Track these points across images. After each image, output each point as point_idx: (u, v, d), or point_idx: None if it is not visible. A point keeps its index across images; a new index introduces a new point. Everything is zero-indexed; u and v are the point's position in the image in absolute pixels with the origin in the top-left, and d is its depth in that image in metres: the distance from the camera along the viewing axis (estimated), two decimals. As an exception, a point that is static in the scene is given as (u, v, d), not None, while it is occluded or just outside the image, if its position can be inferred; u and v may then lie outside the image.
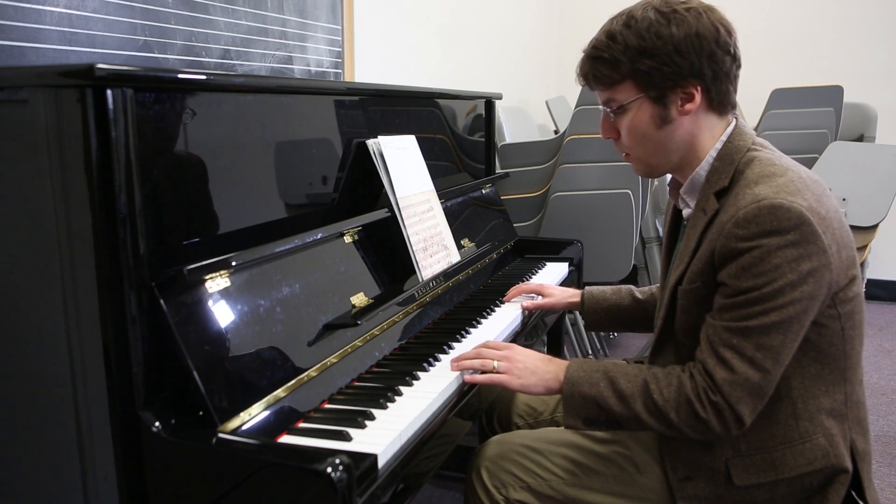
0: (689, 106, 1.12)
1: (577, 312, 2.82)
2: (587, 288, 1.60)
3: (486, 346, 1.28)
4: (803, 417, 1.11)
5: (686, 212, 1.21)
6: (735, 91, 1.16)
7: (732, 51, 1.12)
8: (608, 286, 1.59)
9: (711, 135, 1.15)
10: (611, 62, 1.13)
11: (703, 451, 1.15)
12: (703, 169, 1.16)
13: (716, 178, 1.13)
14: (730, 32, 1.12)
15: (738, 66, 1.14)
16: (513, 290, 1.70)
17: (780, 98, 3.77)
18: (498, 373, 1.21)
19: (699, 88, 1.11)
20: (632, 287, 1.56)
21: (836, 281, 1.06)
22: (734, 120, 1.17)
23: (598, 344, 3.23)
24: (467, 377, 1.23)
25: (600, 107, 1.20)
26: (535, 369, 1.21)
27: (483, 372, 1.22)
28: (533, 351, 1.26)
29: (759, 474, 1.12)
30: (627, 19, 1.11)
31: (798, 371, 1.10)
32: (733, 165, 1.12)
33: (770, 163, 1.09)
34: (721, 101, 1.14)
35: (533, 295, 1.69)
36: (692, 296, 1.13)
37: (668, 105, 1.12)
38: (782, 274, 1.01)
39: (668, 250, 1.32)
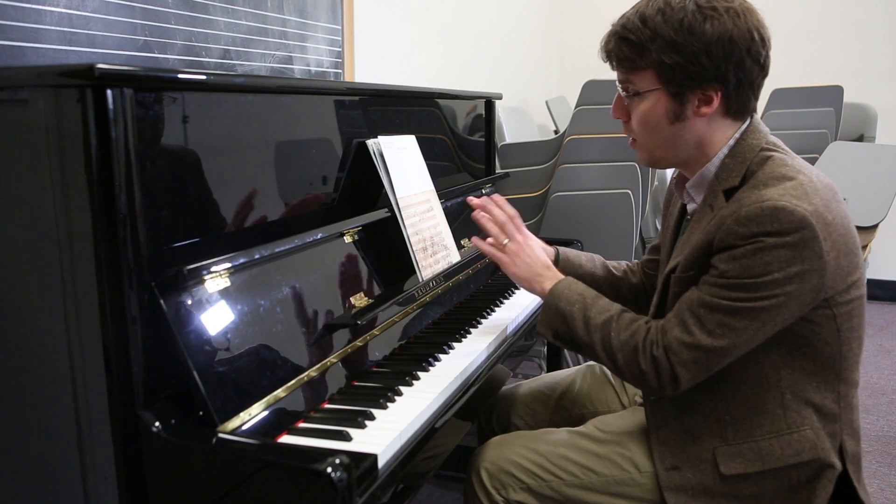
0: (705, 109, 1.10)
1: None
2: (562, 248, 1.54)
3: (513, 221, 1.36)
4: (791, 409, 1.11)
5: (691, 206, 1.21)
6: (756, 98, 1.14)
7: (762, 60, 1.10)
8: (582, 252, 1.55)
9: (724, 136, 1.14)
10: (637, 46, 1.10)
11: (690, 439, 1.15)
12: (713, 164, 1.15)
13: (725, 176, 1.12)
14: (764, 41, 1.09)
15: (765, 76, 1.12)
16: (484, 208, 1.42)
17: (780, 98, 3.77)
18: (503, 251, 1.32)
19: (719, 94, 1.09)
20: (603, 259, 1.54)
21: (828, 286, 1.05)
22: (749, 118, 1.16)
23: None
24: (475, 239, 1.35)
25: (617, 84, 1.18)
26: (532, 265, 1.30)
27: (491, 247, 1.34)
28: (542, 254, 1.34)
29: (746, 464, 1.12)
30: (664, 5, 1.08)
31: (788, 363, 1.10)
32: (745, 164, 1.11)
33: (782, 163, 1.08)
34: (739, 108, 1.12)
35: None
36: (684, 283, 1.13)
37: (684, 103, 1.11)
38: (769, 271, 1.01)
39: (671, 243, 1.30)
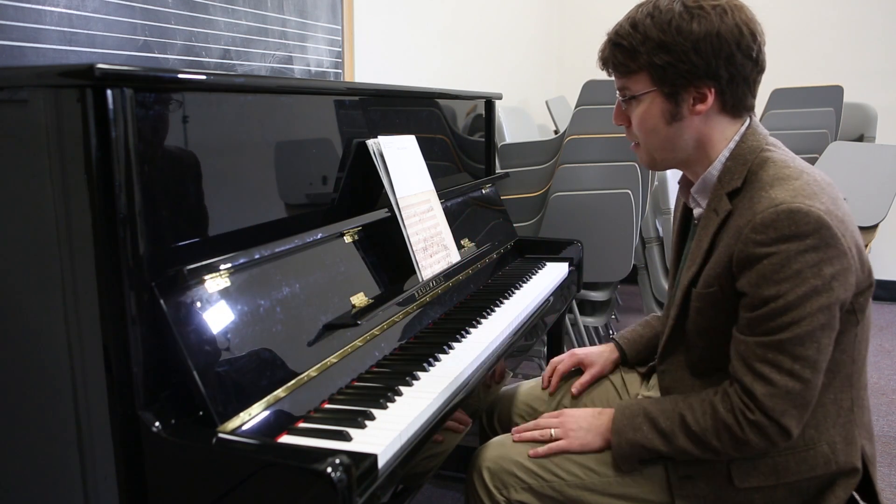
0: (700, 106, 1.11)
1: (577, 310, 2.84)
2: (617, 335, 1.52)
3: (542, 418, 1.30)
4: (810, 425, 1.11)
5: (697, 211, 1.21)
6: (753, 95, 1.14)
7: (754, 55, 1.09)
8: (633, 325, 1.52)
9: (723, 136, 1.14)
10: (629, 51, 1.12)
11: None
12: (715, 168, 1.15)
13: (728, 179, 1.12)
14: (754, 35, 1.09)
15: (760, 71, 1.12)
16: (554, 378, 1.53)
17: (780, 98, 3.77)
18: (556, 439, 1.24)
19: (713, 90, 1.10)
20: (653, 315, 1.53)
21: (857, 283, 1.05)
22: (748, 119, 1.16)
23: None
24: (531, 451, 1.25)
25: (616, 93, 1.20)
26: (588, 427, 1.23)
27: (543, 443, 1.25)
28: (583, 409, 1.28)
29: (760, 478, 1.12)
30: (652, 9, 1.10)
31: None
32: (746, 166, 1.11)
33: (785, 164, 1.08)
34: (735, 104, 1.12)
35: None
36: (708, 299, 1.12)
37: (679, 103, 1.11)
38: (804, 280, 1.00)
39: (678, 249, 1.30)
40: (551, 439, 1.24)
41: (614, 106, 1.22)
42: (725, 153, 1.14)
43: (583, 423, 1.24)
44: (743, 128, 1.15)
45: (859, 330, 1.10)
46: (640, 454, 1.16)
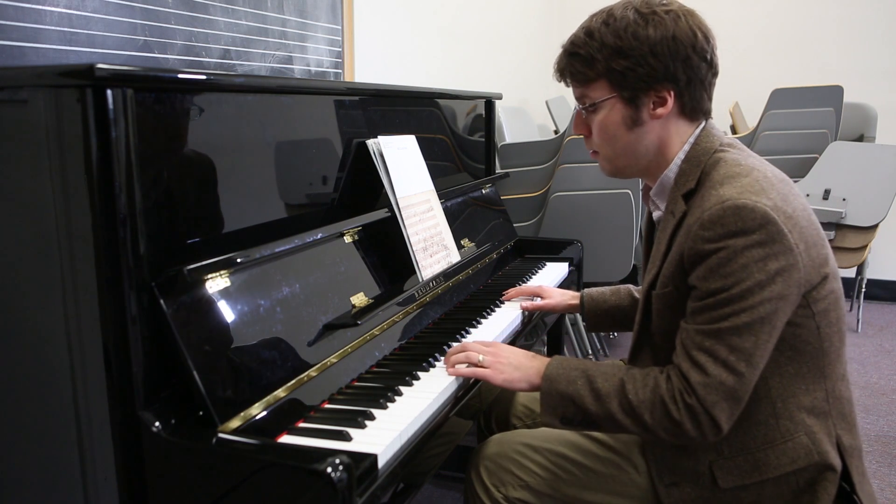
0: (660, 110, 1.13)
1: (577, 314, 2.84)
2: (586, 290, 1.59)
3: (474, 343, 1.29)
4: (783, 417, 1.11)
5: (656, 215, 1.22)
6: (710, 99, 1.17)
7: (709, 58, 1.12)
8: (607, 287, 1.59)
9: (680, 140, 1.16)
10: (586, 59, 1.13)
11: (686, 455, 1.15)
12: (671, 171, 1.16)
13: (683, 181, 1.14)
14: (707, 39, 1.12)
15: (715, 74, 1.15)
16: (512, 291, 1.71)
17: (780, 98, 3.77)
18: (482, 367, 1.22)
19: (672, 93, 1.12)
20: (630, 287, 1.56)
21: (806, 280, 1.05)
22: (703, 122, 1.17)
23: (598, 344, 3.23)
24: (450, 369, 1.24)
25: (575, 103, 1.21)
26: (518, 365, 1.21)
27: (469, 365, 1.24)
28: (518, 349, 1.27)
29: (744, 476, 1.12)
30: (607, 17, 1.12)
31: (776, 371, 1.10)
32: (700, 167, 1.12)
33: (736, 163, 1.10)
34: (693, 107, 1.14)
35: (532, 297, 1.69)
36: (665, 300, 1.13)
37: (639, 107, 1.13)
38: (750, 274, 1.01)
39: (646, 254, 1.32)
40: (477, 364, 1.23)
41: (573, 118, 1.23)
42: (681, 155, 1.16)
43: (513, 360, 1.22)
44: (698, 130, 1.16)
45: (820, 321, 1.09)
46: (567, 409, 1.14)
